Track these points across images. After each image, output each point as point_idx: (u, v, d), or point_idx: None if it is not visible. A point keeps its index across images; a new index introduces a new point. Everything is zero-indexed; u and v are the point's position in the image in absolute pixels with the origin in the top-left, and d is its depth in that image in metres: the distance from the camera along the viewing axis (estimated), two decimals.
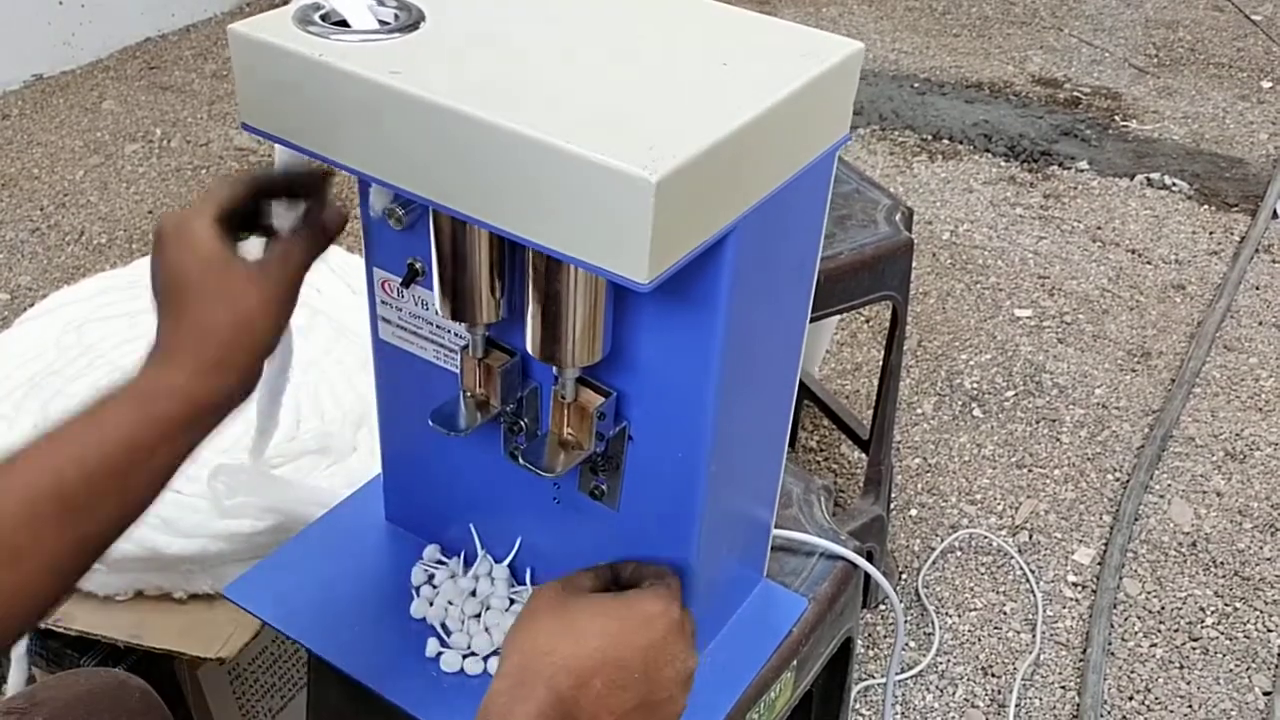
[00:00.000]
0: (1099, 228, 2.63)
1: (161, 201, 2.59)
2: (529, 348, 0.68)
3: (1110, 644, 1.64)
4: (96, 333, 1.24)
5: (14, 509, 0.61)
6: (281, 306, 0.68)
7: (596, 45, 0.65)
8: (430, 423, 0.76)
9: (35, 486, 0.61)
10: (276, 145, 0.67)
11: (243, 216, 0.70)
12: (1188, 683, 1.59)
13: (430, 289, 0.74)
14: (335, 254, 1.39)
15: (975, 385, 2.13)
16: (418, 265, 0.74)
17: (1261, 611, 1.69)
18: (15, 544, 0.60)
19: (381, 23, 0.64)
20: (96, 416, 0.64)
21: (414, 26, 0.64)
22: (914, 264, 1.52)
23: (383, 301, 0.80)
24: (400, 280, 0.76)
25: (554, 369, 0.70)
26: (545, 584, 0.73)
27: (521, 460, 0.75)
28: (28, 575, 0.61)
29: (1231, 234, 2.61)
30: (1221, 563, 1.77)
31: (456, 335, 0.77)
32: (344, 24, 0.64)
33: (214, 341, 0.65)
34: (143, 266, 1.39)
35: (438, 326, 0.78)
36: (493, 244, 0.68)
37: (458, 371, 0.77)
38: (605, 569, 0.76)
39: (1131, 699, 1.57)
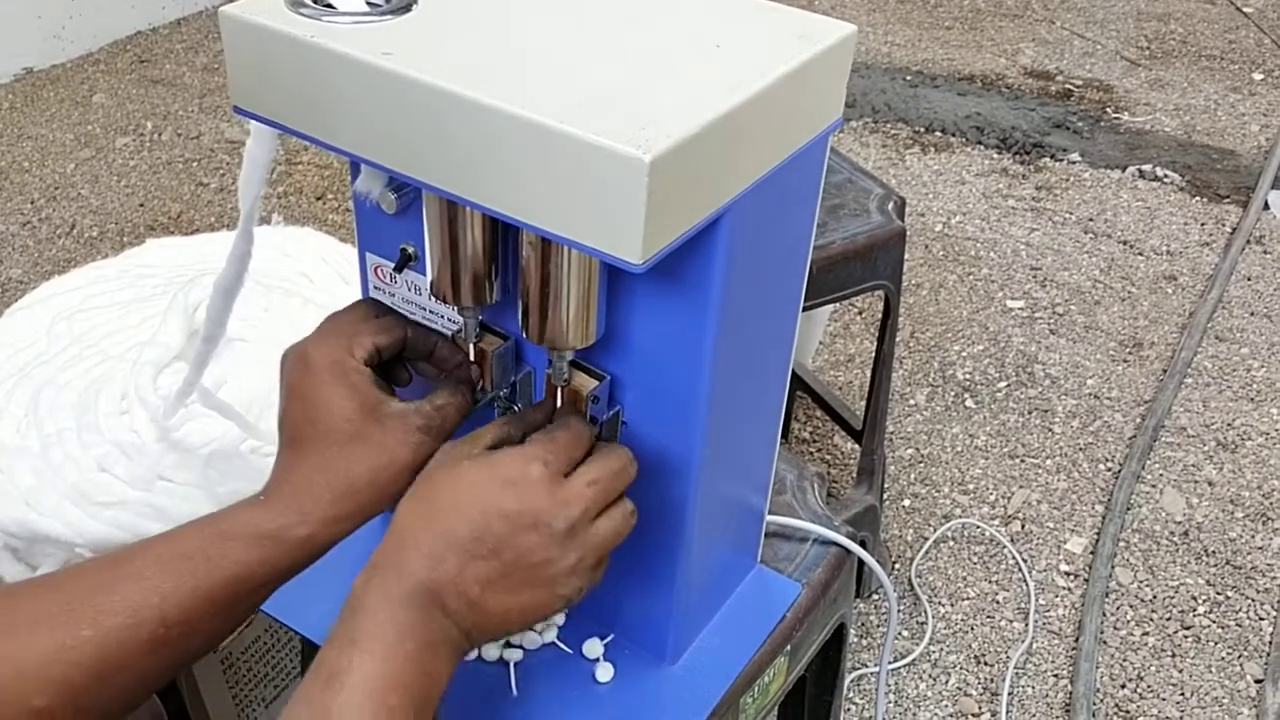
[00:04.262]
0: (1091, 219, 2.63)
1: (153, 195, 2.58)
2: (522, 330, 0.68)
3: (1102, 632, 1.64)
4: (87, 322, 1.24)
5: (113, 626, 0.61)
6: (424, 463, 0.67)
7: (589, 26, 0.65)
8: None
9: (138, 609, 0.61)
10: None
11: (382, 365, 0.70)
12: (1180, 671, 1.59)
13: (423, 273, 0.74)
14: (327, 244, 1.39)
15: (968, 376, 2.13)
16: (410, 250, 0.74)
17: (1253, 600, 1.69)
18: (105, 669, 0.60)
19: (372, 5, 0.64)
20: (214, 547, 0.63)
21: (406, 8, 0.64)
22: (906, 256, 1.52)
23: (375, 287, 0.80)
24: (393, 265, 0.76)
25: (548, 352, 0.70)
26: (447, 443, 0.67)
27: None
28: (115, 690, 0.62)
29: (1223, 225, 2.62)
30: (1213, 551, 1.78)
31: (450, 320, 0.77)
32: (332, 6, 0.64)
33: (355, 490, 0.66)
34: (134, 256, 1.39)
35: (431, 311, 0.78)
36: (486, 226, 0.67)
37: None
38: (516, 419, 0.69)
39: (1124, 687, 1.57)
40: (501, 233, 0.69)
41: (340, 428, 0.66)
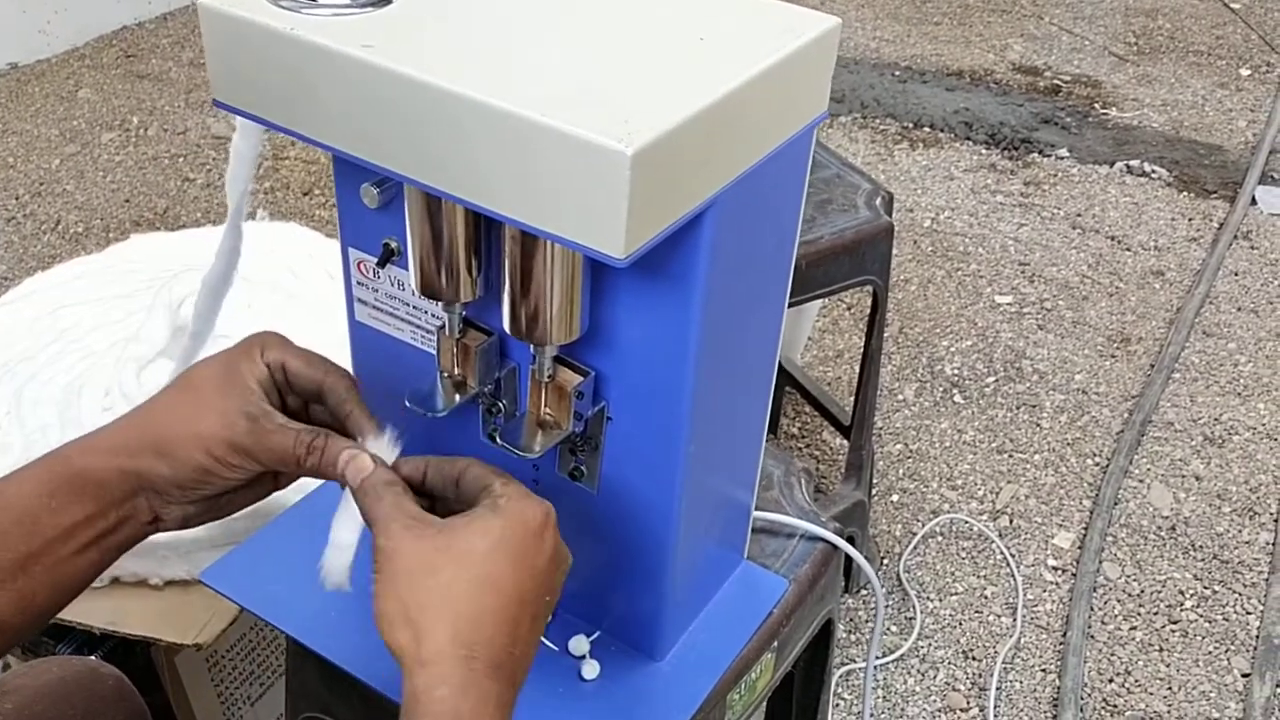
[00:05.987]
0: (1079, 215, 2.63)
1: (138, 190, 2.57)
2: (506, 325, 0.68)
3: (1090, 627, 1.65)
4: (71, 318, 1.23)
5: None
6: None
7: (572, 19, 0.64)
8: (407, 404, 0.75)
9: None
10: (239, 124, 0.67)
11: None
12: (1167, 665, 1.60)
13: (406, 269, 0.73)
14: (313, 239, 1.38)
15: (956, 371, 2.14)
16: (393, 245, 0.74)
17: (1240, 594, 1.70)
18: None
19: None
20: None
21: (386, 0, 0.64)
22: (895, 251, 1.52)
23: (359, 283, 0.80)
24: (376, 260, 0.75)
25: (532, 348, 0.70)
26: (397, 533, 0.62)
27: (500, 441, 0.75)
28: None
29: (1210, 220, 2.62)
30: (1200, 546, 1.78)
31: (433, 315, 0.76)
32: None
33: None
34: (119, 252, 1.38)
35: (414, 307, 0.77)
36: (468, 220, 0.67)
37: (435, 352, 0.77)
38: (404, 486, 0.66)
39: (1111, 681, 1.57)
40: (484, 227, 0.68)
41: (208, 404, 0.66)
